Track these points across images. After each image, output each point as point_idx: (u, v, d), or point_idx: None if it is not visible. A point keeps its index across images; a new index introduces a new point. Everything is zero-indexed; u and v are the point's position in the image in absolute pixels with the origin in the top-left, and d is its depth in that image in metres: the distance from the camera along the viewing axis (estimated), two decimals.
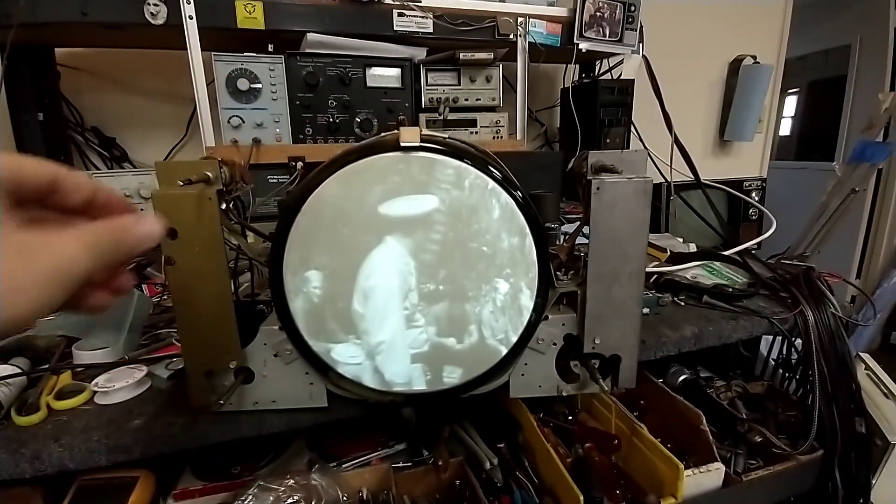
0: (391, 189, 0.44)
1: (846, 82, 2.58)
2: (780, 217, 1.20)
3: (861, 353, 0.99)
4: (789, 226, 1.18)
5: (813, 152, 3.23)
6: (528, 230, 0.46)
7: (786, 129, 3.68)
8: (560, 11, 1.14)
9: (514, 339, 0.50)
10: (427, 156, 0.43)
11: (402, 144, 0.43)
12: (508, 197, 0.45)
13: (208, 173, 0.44)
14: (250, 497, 0.59)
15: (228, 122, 0.96)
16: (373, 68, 1.03)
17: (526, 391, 0.54)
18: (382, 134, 0.45)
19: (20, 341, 0.63)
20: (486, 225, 0.46)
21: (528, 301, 0.48)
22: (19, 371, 0.59)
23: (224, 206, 0.46)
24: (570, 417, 0.84)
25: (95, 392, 0.57)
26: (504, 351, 0.50)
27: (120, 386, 0.57)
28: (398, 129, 0.43)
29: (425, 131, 0.44)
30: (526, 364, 0.53)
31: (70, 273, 0.21)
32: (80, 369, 0.63)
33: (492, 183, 0.45)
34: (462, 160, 0.44)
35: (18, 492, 0.54)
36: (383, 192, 0.44)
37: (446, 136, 0.46)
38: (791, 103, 3.62)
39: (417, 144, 0.43)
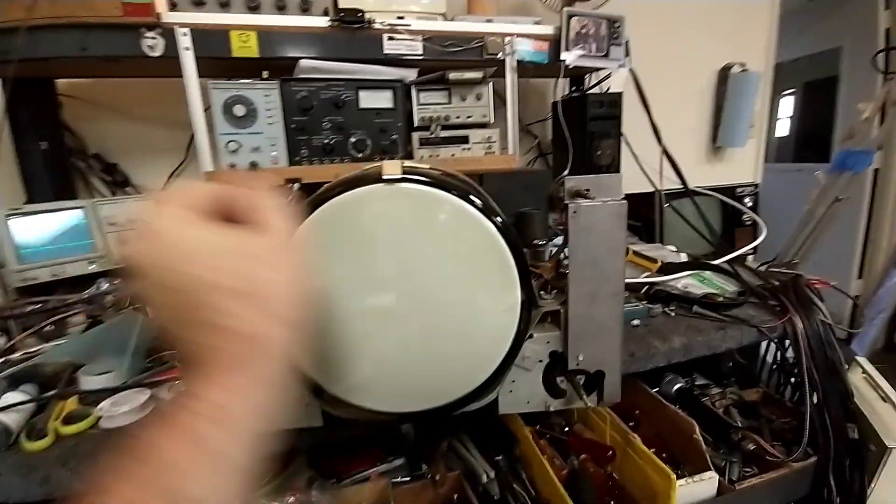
0: (375, 220, 0.46)
1: (837, 83, 2.61)
2: (780, 219, 1.20)
3: (858, 358, 1.00)
4: (788, 228, 1.18)
5: (810, 152, 3.25)
6: (509, 254, 0.48)
7: (784, 129, 3.69)
8: (546, 30, 1.16)
9: (501, 358, 0.51)
10: (409, 186, 0.46)
11: (384, 177, 0.45)
12: (489, 223, 0.47)
13: None
14: None
15: (226, 147, 0.98)
16: (365, 90, 1.06)
17: (514, 407, 0.56)
18: (365, 167, 0.47)
19: (28, 369, 0.66)
20: (469, 251, 0.47)
21: (512, 321, 0.50)
22: (28, 398, 0.61)
23: None
24: (566, 429, 0.85)
25: (101, 417, 0.60)
26: (491, 370, 0.51)
27: (124, 410, 0.59)
28: (381, 163, 0.45)
29: (407, 163, 0.46)
30: (513, 381, 0.55)
31: None
32: (85, 394, 0.65)
33: (473, 210, 0.47)
34: (443, 190, 0.46)
35: None
36: (367, 223, 0.46)
37: (428, 166, 0.48)
38: (788, 104, 3.63)
39: (399, 176, 0.45)
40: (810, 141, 3.31)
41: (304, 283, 0.25)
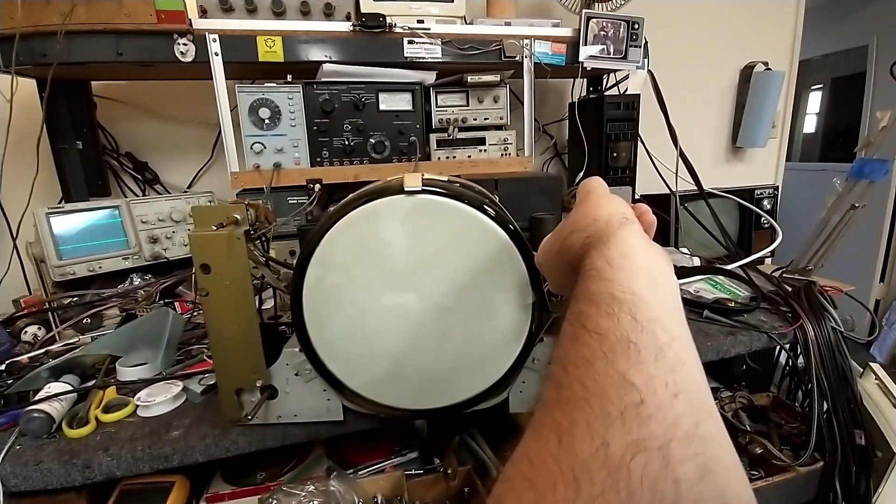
0: (396, 227, 0.49)
1: (865, 81, 2.54)
2: (802, 220, 1.18)
3: (872, 364, 1.00)
4: (810, 230, 1.15)
5: (836, 150, 3.17)
6: (521, 261, 0.51)
7: (811, 126, 3.58)
8: (564, 32, 1.17)
9: (512, 359, 0.54)
10: (428, 198, 0.48)
11: (406, 189, 0.48)
12: (503, 231, 0.50)
13: (237, 216, 0.50)
14: (274, 501, 0.65)
15: (251, 148, 1.02)
16: (385, 93, 1.09)
17: (523, 406, 0.59)
18: (388, 178, 0.50)
19: (70, 361, 0.71)
20: (482, 257, 0.50)
21: (523, 325, 0.53)
22: (70, 388, 0.65)
23: (250, 244, 0.52)
24: None
25: (138, 406, 0.64)
26: (502, 371, 0.54)
27: (159, 400, 0.63)
28: (403, 175, 0.48)
29: (427, 175, 0.49)
30: (524, 382, 0.58)
31: None
32: (123, 385, 0.69)
33: (487, 220, 0.49)
34: (459, 201, 0.49)
35: (64, 497, 0.59)
36: (390, 230, 0.49)
37: (446, 178, 0.51)
38: (815, 99, 3.52)
39: (420, 188, 0.48)
40: (837, 138, 3.22)
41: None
